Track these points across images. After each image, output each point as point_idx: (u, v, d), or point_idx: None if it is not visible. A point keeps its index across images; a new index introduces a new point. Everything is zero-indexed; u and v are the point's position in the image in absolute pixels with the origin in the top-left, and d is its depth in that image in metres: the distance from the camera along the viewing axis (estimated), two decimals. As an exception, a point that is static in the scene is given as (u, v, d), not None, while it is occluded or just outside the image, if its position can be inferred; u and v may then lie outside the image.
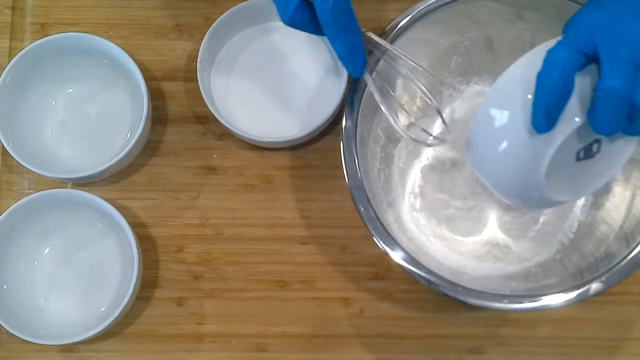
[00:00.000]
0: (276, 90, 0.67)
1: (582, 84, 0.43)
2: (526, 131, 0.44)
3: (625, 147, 0.48)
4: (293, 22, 0.50)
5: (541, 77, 0.43)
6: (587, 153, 0.47)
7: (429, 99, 0.55)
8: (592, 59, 0.43)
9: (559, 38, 0.44)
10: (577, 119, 0.44)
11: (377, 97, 0.54)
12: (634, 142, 0.48)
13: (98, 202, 0.61)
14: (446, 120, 0.58)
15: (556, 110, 0.43)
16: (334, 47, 0.51)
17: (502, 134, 0.46)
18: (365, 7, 0.69)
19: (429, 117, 0.64)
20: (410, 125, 0.61)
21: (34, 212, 0.63)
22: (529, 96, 0.44)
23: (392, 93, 0.57)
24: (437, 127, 0.64)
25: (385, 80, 0.56)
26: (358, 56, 0.51)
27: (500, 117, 0.45)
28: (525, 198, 0.50)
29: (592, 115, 0.43)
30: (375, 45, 0.54)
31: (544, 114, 0.43)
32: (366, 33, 0.53)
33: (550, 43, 0.45)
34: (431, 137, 0.58)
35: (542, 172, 0.45)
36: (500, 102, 0.46)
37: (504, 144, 0.46)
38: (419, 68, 0.55)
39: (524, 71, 0.45)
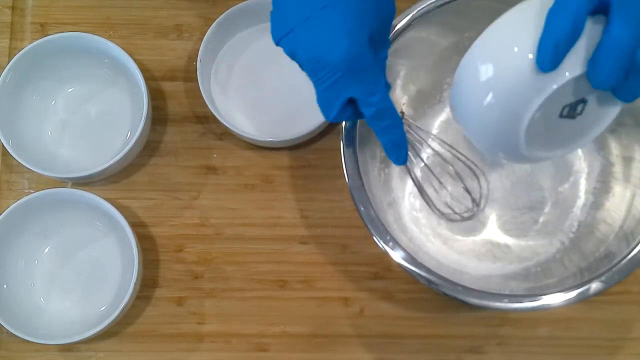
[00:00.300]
0: (276, 90, 0.67)
1: (586, 33, 0.42)
2: (514, 81, 0.43)
3: (605, 116, 0.48)
4: (337, 121, 0.51)
5: (552, 14, 0.42)
6: (571, 112, 0.46)
7: (468, 192, 0.58)
8: (602, 5, 0.42)
9: None
10: (573, 70, 0.43)
11: (414, 182, 0.57)
12: (614, 112, 0.48)
13: (98, 201, 0.62)
14: (476, 199, 0.60)
15: (564, 49, 0.42)
16: (380, 140, 0.52)
17: (487, 87, 0.45)
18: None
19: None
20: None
21: (34, 212, 0.63)
22: (520, 45, 0.43)
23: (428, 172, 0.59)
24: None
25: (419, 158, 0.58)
26: (402, 149, 0.53)
27: (486, 69, 0.45)
28: (506, 152, 0.49)
29: (593, 63, 0.42)
30: (412, 128, 0.56)
31: (552, 51, 0.42)
32: (404, 118, 0.55)
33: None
34: (463, 215, 0.60)
35: (526, 121, 0.45)
36: (487, 52, 0.45)
37: (489, 97, 0.45)
38: (460, 155, 0.57)
39: (516, 19, 0.44)
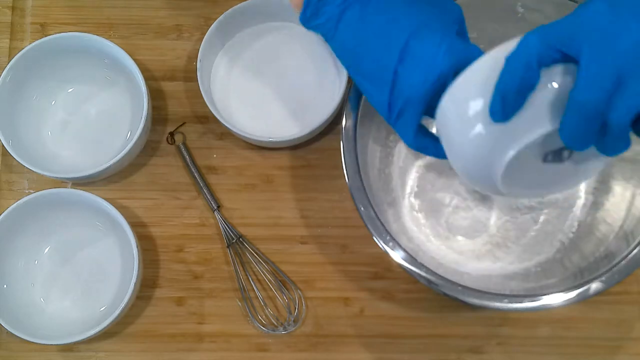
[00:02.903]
0: (276, 90, 0.67)
1: (561, 86, 0.40)
2: (490, 125, 0.42)
3: (596, 160, 0.46)
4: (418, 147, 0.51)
5: (507, 62, 0.40)
6: (557, 157, 0.45)
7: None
8: (572, 59, 0.39)
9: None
10: (546, 125, 0.41)
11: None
12: (605, 159, 0.45)
13: (98, 202, 0.61)
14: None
15: (512, 101, 0.40)
16: None
17: (466, 121, 0.44)
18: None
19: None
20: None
21: (34, 212, 0.63)
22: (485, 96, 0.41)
23: None
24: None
25: None
26: None
27: (464, 104, 0.43)
28: (487, 187, 0.47)
29: (562, 125, 0.40)
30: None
31: (500, 102, 0.40)
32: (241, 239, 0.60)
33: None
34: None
35: (501, 169, 0.43)
36: (467, 88, 0.43)
37: (467, 132, 0.44)
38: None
39: (494, 59, 0.42)
